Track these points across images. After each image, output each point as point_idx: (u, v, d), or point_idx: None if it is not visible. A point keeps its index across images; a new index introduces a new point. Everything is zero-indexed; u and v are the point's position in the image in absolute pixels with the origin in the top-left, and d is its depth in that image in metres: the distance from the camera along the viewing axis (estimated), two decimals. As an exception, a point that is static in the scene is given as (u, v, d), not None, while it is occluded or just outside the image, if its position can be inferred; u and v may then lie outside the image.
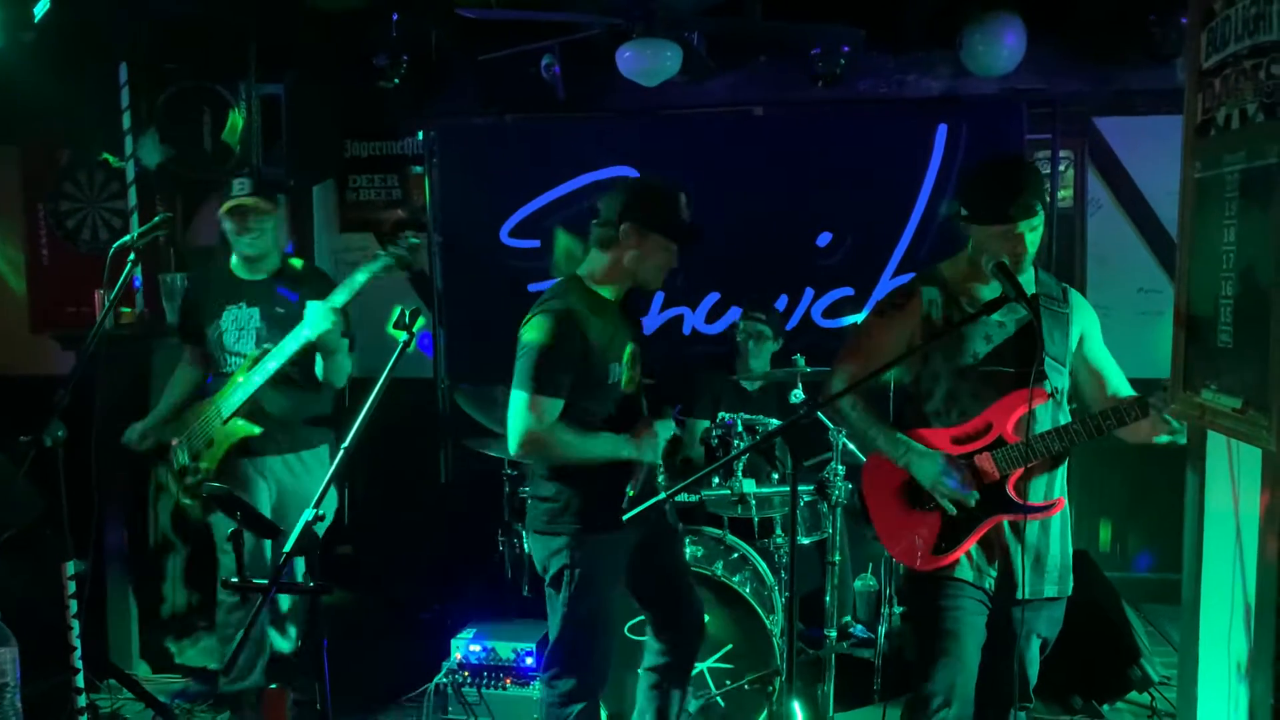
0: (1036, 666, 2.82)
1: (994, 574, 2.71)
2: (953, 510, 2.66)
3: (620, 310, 3.08)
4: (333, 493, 3.75)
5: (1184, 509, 2.87)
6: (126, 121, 4.70)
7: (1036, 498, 2.69)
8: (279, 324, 3.79)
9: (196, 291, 4.06)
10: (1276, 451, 2.24)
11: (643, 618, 3.62)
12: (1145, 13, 4.50)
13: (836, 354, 2.88)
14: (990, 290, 2.68)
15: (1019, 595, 2.66)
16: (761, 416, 4.04)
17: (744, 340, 4.62)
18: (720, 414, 4.08)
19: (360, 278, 3.65)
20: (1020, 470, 2.65)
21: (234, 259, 3.92)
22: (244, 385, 3.74)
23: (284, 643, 4.04)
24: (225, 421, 3.77)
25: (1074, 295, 2.83)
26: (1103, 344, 2.84)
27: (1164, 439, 2.61)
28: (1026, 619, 2.68)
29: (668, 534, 3.34)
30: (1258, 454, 2.43)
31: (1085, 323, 2.81)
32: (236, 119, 4.66)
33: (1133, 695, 4.14)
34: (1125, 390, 2.78)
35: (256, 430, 3.77)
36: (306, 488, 3.81)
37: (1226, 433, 2.54)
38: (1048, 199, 3.25)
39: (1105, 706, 4.11)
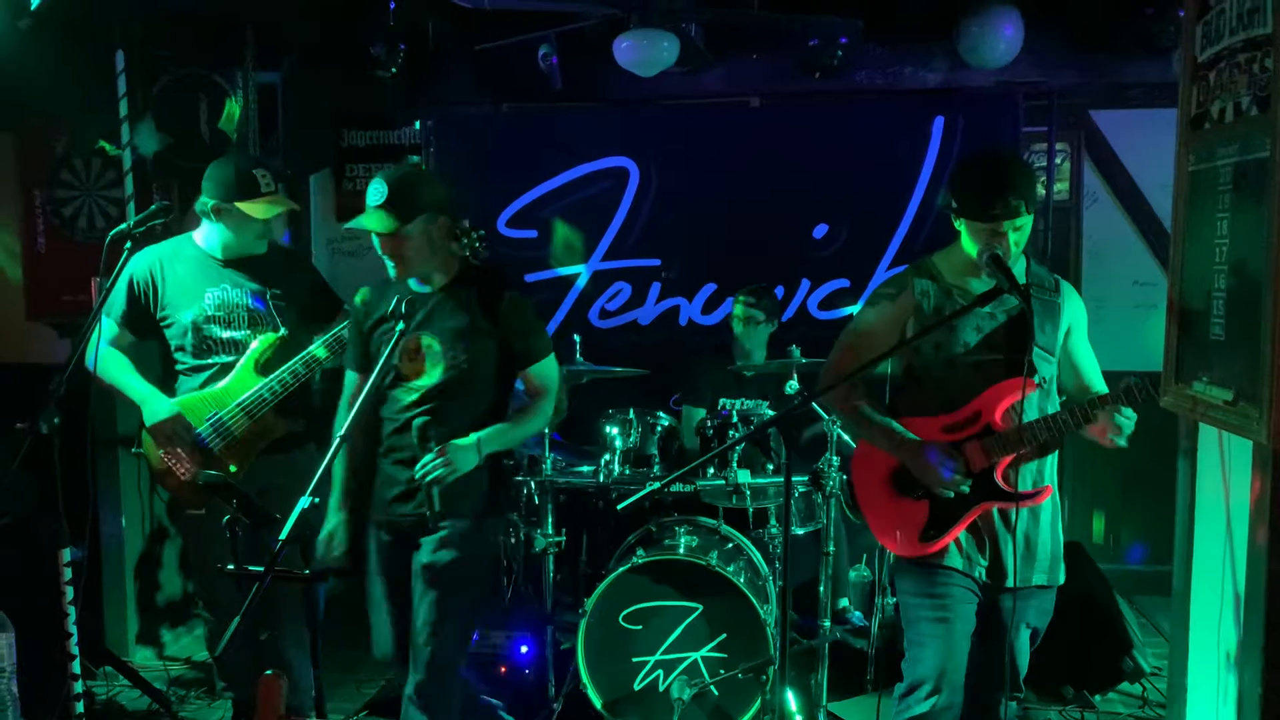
0: (1027, 656, 2.83)
1: (984, 563, 2.72)
2: (949, 494, 2.67)
3: (425, 299, 3.02)
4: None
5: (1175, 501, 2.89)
6: (123, 109, 4.66)
7: (1025, 486, 2.70)
8: (290, 304, 3.52)
9: (159, 274, 3.50)
10: (1267, 443, 2.26)
11: (638, 606, 3.65)
12: (1142, 6, 4.51)
13: (832, 345, 2.89)
14: (981, 284, 2.69)
15: (1008, 584, 2.67)
16: (760, 403, 4.05)
17: (738, 324, 4.62)
18: (721, 400, 4.09)
19: None
20: (1008, 458, 2.66)
21: (211, 241, 3.52)
22: (285, 376, 3.37)
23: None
24: (256, 419, 3.39)
25: (1065, 286, 2.83)
26: (1086, 339, 2.85)
27: (1121, 441, 2.61)
28: (1017, 608, 2.69)
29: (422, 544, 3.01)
30: (1248, 445, 2.45)
31: (1074, 315, 2.82)
32: (233, 107, 4.65)
33: (1124, 685, 4.16)
34: (1099, 387, 2.79)
35: (300, 426, 3.46)
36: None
37: (1217, 424, 2.55)
38: (1039, 195, 3.24)
39: (1097, 697, 4.13)
